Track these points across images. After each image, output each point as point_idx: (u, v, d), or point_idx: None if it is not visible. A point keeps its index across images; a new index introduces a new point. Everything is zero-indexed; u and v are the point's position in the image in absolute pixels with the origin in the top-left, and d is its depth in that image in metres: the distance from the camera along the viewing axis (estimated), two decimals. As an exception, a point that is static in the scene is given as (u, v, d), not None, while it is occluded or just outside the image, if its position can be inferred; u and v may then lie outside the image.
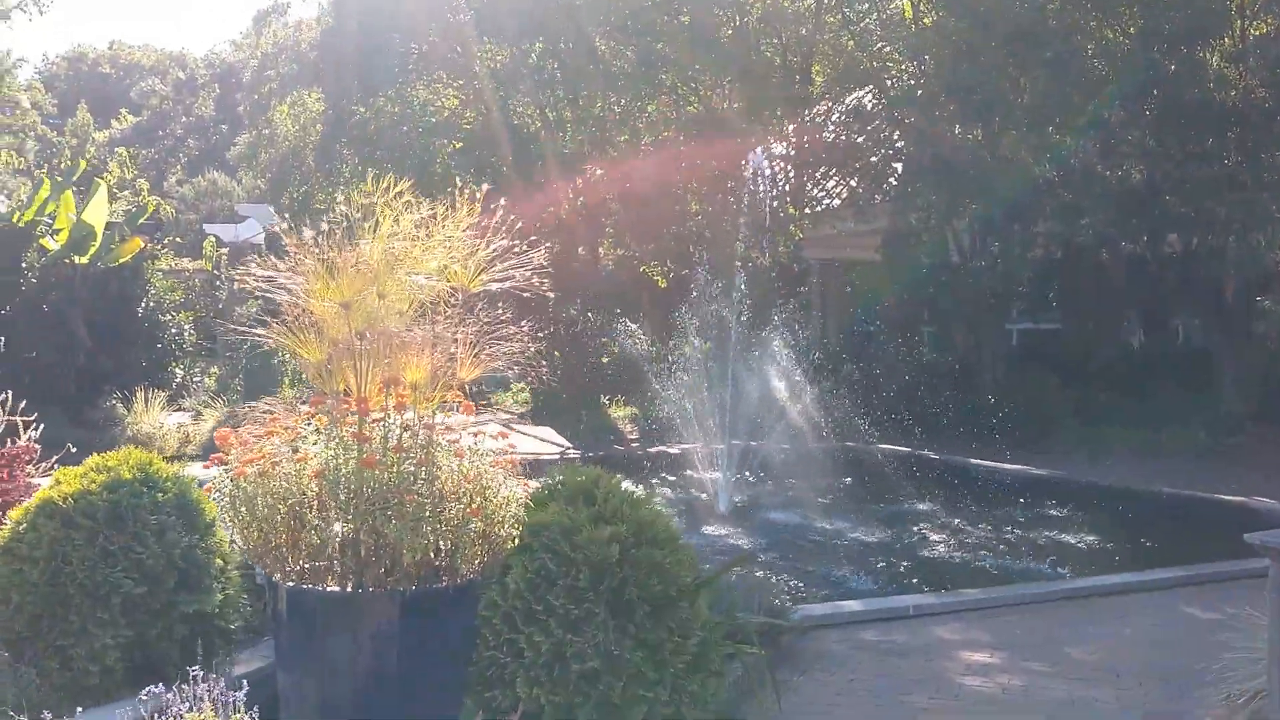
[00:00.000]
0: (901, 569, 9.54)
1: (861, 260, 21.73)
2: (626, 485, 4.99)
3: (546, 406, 21.45)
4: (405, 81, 17.14)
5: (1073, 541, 10.69)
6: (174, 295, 19.46)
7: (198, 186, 35.02)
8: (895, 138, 17.12)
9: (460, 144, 16.98)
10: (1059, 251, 16.32)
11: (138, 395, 16.43)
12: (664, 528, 4.75)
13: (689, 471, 14.31)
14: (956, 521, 11.72)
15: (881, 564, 9.67)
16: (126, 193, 31.40)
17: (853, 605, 7.35)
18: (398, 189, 4.27)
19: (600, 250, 19.15)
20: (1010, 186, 14.34)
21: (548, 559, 4.44)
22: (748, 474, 14.85)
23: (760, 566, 9.56)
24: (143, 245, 18.84)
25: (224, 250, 25.64)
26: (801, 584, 8.85)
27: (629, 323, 16.58)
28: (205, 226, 27.11)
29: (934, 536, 10.95)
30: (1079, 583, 8.16)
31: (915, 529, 11.35)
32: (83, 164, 19.12)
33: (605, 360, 20.93)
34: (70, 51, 76.08)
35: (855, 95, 18.92)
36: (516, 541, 4.19)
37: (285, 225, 6.53)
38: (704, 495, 13.09)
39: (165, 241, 30.61)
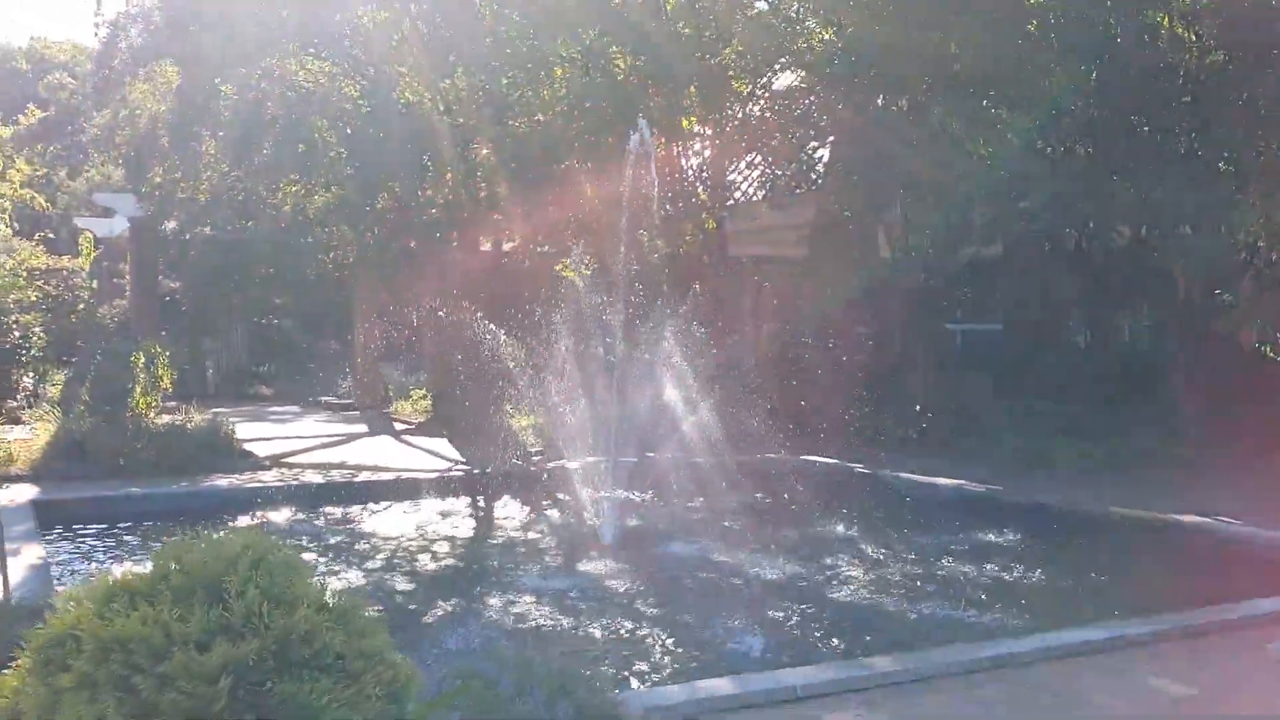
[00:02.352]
0: (803, 619, 7.80)
1: (794, 257, 20.13)
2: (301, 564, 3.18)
3: (446, 416, 19.65)
4: (270, 51, 15.19)
5: (1010, 577, 9.01)
6: (19, 294, 17.28)
7: (91, 180, 32.75)
8: (818, 117, 15.41)
9: (341, 124, 15.03)
10: (997, 241, 14.68)
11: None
12: (335, 638, 2.94)
13: (587, 490, 12.49)
14: (878, 551, 10.03)
15: (780, 612, 7.91)
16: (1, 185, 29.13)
17: (720, 686, 5.55)
18: None
19: (504, 243, 17.35)
20: (940, 166, 12.68)
21: (113, 702, 2.62)
22: (649, 494, 13.12)
23: (631, 617, 7.82)
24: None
25: (99, 248, 23.50)
26: (675, 644, 7.09)
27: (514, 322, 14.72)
28: (77, 221, 24.93)
29: (850, 571, 9.24)
30: (1018, 645, 6.43)
31: (829, 561, 9.63)
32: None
33: (512, 365, 19.14)
34: (-15, 48, 73.17)
35: (780, 74, 17.22)
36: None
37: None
38: (595, 520, 11.31)
39: (37, 238, 28.40)
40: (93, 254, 24.47)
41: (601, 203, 14.18)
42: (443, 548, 10.42)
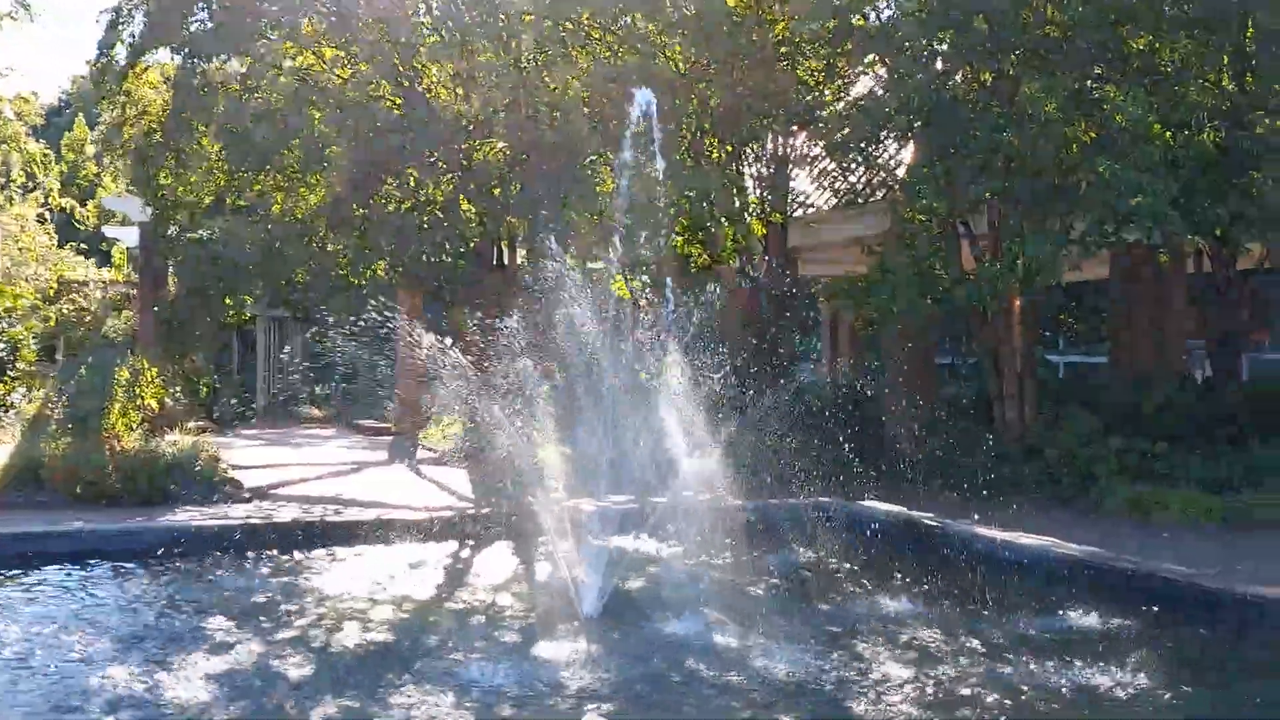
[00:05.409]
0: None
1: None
2: None
3: (475, 444, 17.76)
4: (266, 30, 13.49)
5: (1112, 685, 6.62)
6: (7, 300, 15.82)
7: (97, 185, 31.71)
8: (889, 104, 13.04)
9: (339, 112, 13.24)
10: (1099, 253, 12.15)
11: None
12: None
13: (591, 538, 10.34)
14: (932, 637, 7.68)
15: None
16: (36, 193, 28.21)
17: None
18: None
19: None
20: (1034, 155, 10.34)
21: None
22: (668, 546, 10.95)
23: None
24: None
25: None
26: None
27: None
28: (105, 230, 23.71)
29: (889, 668, 6.91)
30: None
31: (865, 650, 7.34)
32: None
33: (532, 390, 17.16)
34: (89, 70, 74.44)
35: (848, 61, 14.97)
36: None
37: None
38: (582, 581, 9.16)
39: (67, 247, 27.40)
40: (124, 263, 23.25)
41: (632, 205, 12.10)
42: (383, 613, 8.37)
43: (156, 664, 6.77)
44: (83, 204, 33.61)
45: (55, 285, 23.53)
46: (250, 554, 10.36)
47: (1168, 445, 13.23)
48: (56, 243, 27.07)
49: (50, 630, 7.61)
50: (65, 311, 23.42)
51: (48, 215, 26.69)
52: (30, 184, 26.56)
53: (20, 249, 25.65)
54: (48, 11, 72.38)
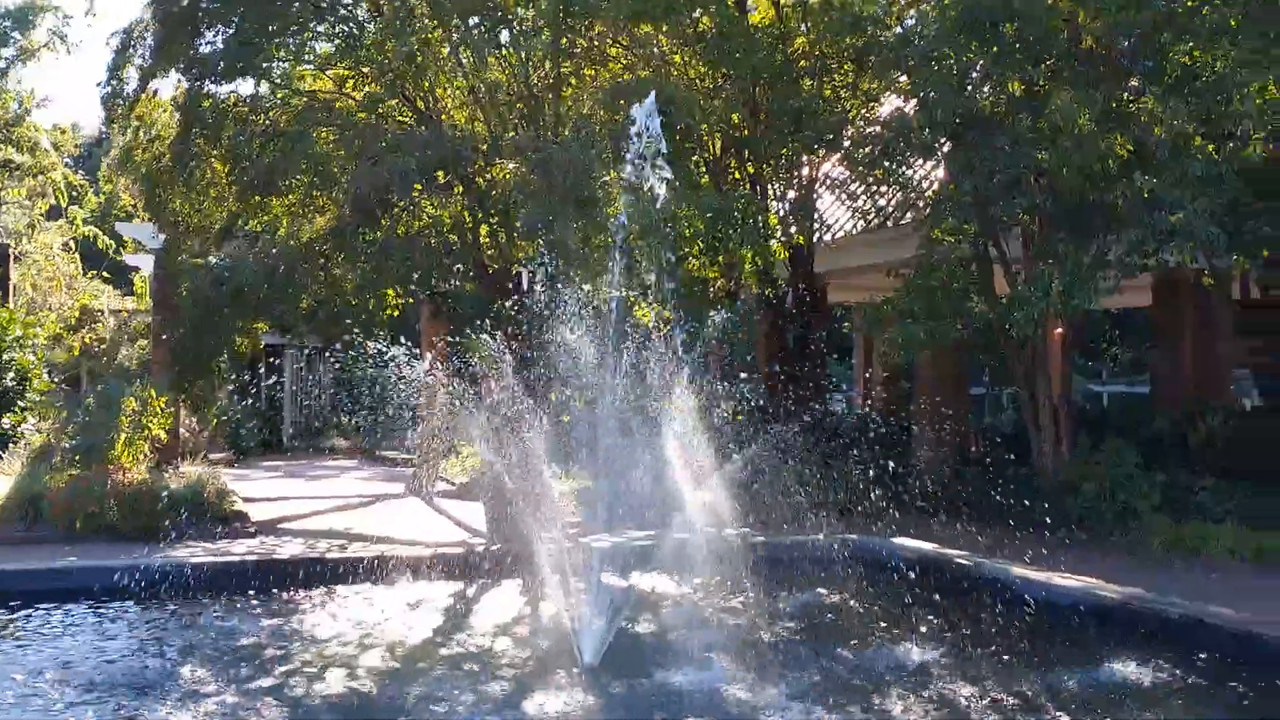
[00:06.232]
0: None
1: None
2: None
3: (488, 478, 17.26)
4: (267, 44, 13.14)
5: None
6: (12, 330, 15.51)
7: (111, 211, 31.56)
8: (918, 125, 12.50)
9: (349, 134, 12.88)
10: (1138, 272, 11.49)
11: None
12: None
13: (607, 578, 9.77)
14: (965, 695, 7.07)
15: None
16: (61, 221, 28.17)
17: None
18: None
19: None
20: (1066, 172, 9.76)
21: None
22: (677, 584, 10.37)
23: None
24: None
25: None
26: None
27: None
28: (127, 258, 23.55)
29: (913, 730, 6.33)
30: None
31: (896, 707, 6.74)
32: None
33: (565, 419, 16.62)
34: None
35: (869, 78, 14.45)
36: None
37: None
38: (586, 626, 8.60)
39: (90, 275, 27.28)
40: (146, 292, 23.07)
41: (641, 227, 11.60)
42: (368, 661, 7.84)
43: (121, 717, 6.29)
44: (115, 234, 33.75)
45: (77, 314, 23.37)
46: (245, 593, 9.89)
47: (1214, 479, 12.53)
48: (82, 270, 26.94)
49: (17, 678, 7.14)
50: (87, 340, 23.24)
51: (73, 244, 26.60)
52: (60, 213, 26.58)
53: (46, 279, 25.56)
54: (87, 43, 73.01)
